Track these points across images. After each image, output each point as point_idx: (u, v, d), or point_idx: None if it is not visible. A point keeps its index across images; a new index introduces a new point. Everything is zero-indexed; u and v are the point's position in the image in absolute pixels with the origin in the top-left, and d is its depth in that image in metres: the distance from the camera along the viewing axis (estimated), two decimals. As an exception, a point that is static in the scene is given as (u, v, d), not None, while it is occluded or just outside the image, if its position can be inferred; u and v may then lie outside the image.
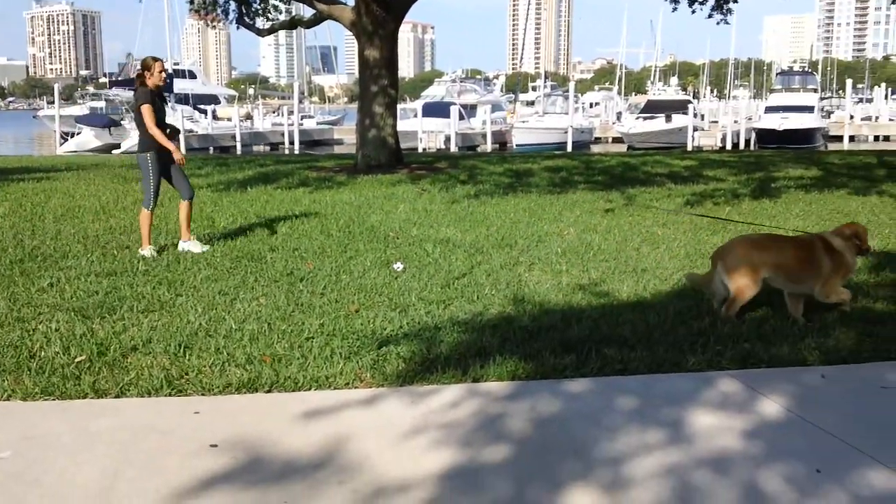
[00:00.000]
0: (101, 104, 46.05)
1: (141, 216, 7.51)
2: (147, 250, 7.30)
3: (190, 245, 7.54)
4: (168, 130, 7.57)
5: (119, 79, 51.54)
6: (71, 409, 3.88)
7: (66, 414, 3.83)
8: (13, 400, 3.99)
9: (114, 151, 33.63)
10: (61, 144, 37.63)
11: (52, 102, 44.46)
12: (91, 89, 58.36)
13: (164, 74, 7.41)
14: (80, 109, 47.65)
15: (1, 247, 7.54)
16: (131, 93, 40.40)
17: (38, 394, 4.03)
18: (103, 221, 9.14)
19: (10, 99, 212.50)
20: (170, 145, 7.36)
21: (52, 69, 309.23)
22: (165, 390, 4.10)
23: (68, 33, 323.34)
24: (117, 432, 3.59)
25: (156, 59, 7.37)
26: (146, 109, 7.24)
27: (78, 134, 38.67)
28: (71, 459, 3.33)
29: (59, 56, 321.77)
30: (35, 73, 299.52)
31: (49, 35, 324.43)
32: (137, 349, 4.64)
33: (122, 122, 39.75)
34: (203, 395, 4.08)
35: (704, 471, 3.26)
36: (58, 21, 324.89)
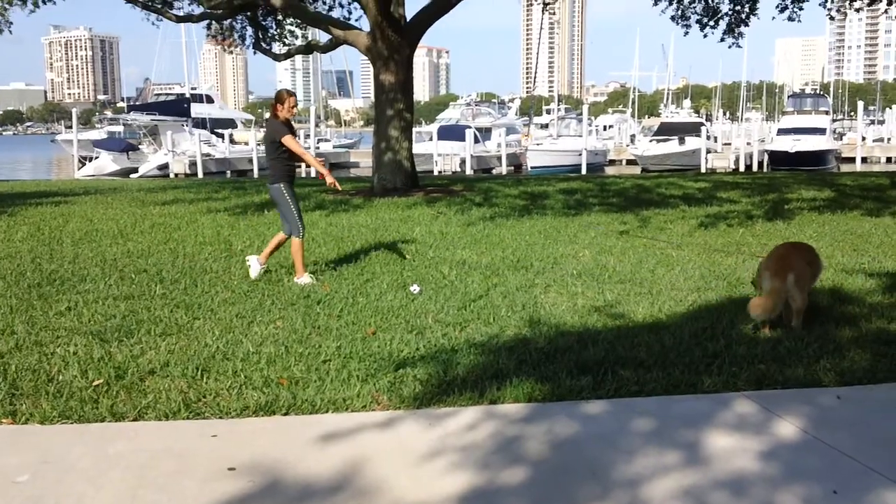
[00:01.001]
0: (119, 128, 46.57)
1: (293, 247, 7.34)
2: (304, 278, 7.18)
3: (253, 262, 7.45)
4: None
5: (137, 103, 52.21)
6: (89, 433, 3.91)
7: (84, 437, 3.85)
8: (31, 423, 4.02)
9: (131, 175, 34.01)
10: (79, 168, 38.10)
11: (71, 127, 45.09)
12: (109, 114, 59.15)
13: (295, 110, 7.38)
14: (98, 134, 48.21)
15: (19, 271, 7.63)
16: (149, 117, 40.77)
17: (56, 417, 4.07)
18: (121, 245, 9.23)
19: (29, 123, 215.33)
20: (323, 169, 7.40)
21: (70, 94, 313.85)
22: (183, 413, 4.12)
23: (86, 58, 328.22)
24: (135, 455, 3.61)
25: (290, 94, 7.35)
26: (290, 139, 7.20)
27: (96, 158, 39.14)
28: (89, 483, 3.35)
29: (77, 81, 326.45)
30: (53, 97, 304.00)
31: (67, 60, 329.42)
32: (155, 372, 4.68)
33: (140, 147, 40.24)
34: (220, 418, 4.10)
35: (721, 492, 3.24)
36: (76, 46, 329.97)
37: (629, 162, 44.43)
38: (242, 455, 3.61)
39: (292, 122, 7.54)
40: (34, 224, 11.07)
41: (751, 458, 3.57)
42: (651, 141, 41.91)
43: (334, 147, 50.13)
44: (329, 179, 7.35)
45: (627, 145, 49.61)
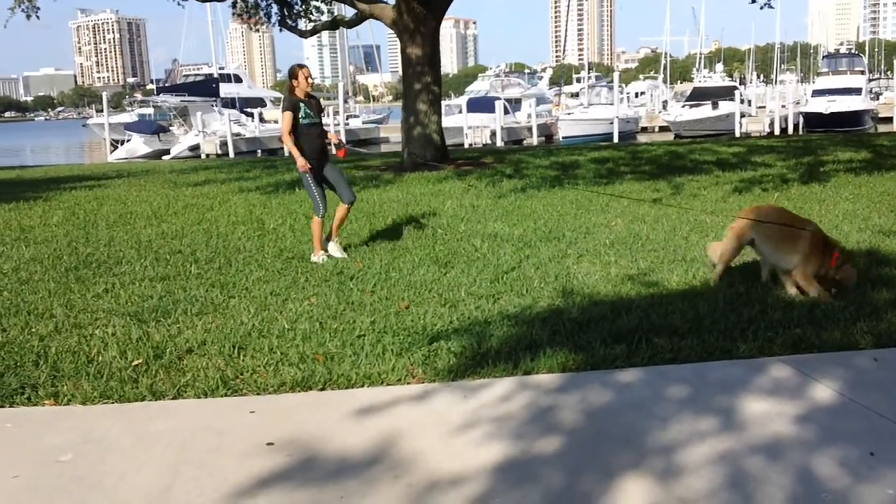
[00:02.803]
0: (150, 111, 46.99)
1: (312, 224, 7.40)
2: (319, 256, 7.22)
3: (332, 247, 7.42)
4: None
5: (166, 85, 52.58)
6: (129, 412, 3.99)
7: (125, 416, 3.93)
8: (73, 404, 4.12)
9: (163, 157, 34.36)
10: (112, 152, 38.57)
11: (101, 111, 45.62)
12: (139, 96, 59.54)
13: (310, 80, 7.23)
14: (128, 117, 48.72)
15: (56, 254, 7.77)
16: (178, 98, 40.93)
17: (97, 397, 4.16)
18: (155, 227, 9.36)
19: (60, 108, 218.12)
20: (295, 153, 7.19)
21: (99, 77, 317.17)
22: (221, 391, 4.19)
23: (114, 41, 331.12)
24: (175, 433, 3.68)
25: (301, 66, 7.23)
26: (285, 116, 7.13)
27: (128, 141, 39.57)
28: (130, 461, 3.43)
29: (106, 64, 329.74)
30: (83, 82, 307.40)
31: (95, 44, 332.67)
32: (193, 351, 4.75)
33: (170, 128, 40.57)
34: (258, 394, 4.16)
35: (758, 457, 3.21)
36: (103, 30, 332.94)
37: (662, 128, 43.80)
38: (280, 430, 3.66)
39: (315, 95, 7.41)
40: (69, 208, 11.25)
41: (787, 422, 3.53)
42: (684, 106, 41.26)
43: (363, 122, 50.10)
44: (300, 163, 7.13)
45: (660, 112, 48.87)
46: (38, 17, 16.45)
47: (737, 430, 3.48)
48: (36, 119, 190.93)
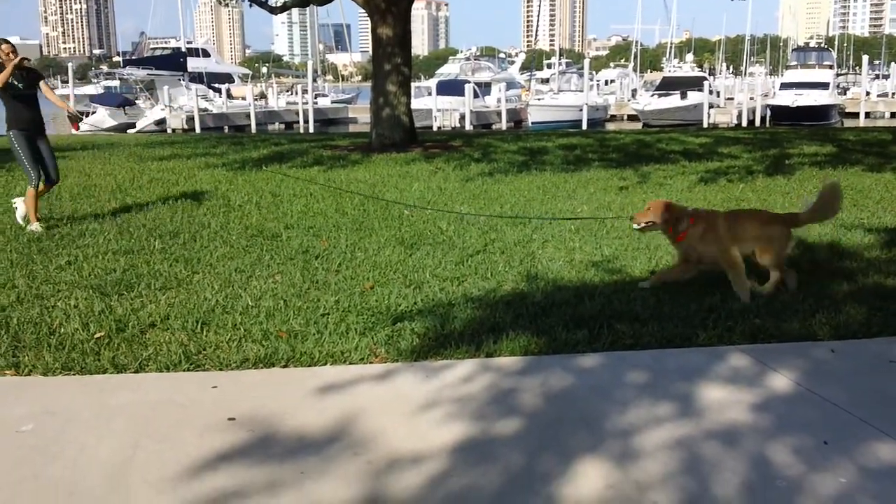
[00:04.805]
0: (116, 83, 46.23)
1: (27, 195, 7.68)
2: (35, 225, 7.49)
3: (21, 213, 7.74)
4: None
5: (133, 58, 51.62)
6: (91, 384, 3.97)
7: (86, 388, 3.91)
8: (34, 375, 4.08)
9: (129, 131, 33.78)
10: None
11: (67, 82, 44.72)
12: (105, 68, 58.55)
13: (12, 55, 7.46)
14: (94, 89, 47.89)
15: (18, 225, 7.64)
16: (145, 72, 40.44)
17: (58, 369, 4.12)
18: (119, 200, 9.23)
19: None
20: None
21: (65, 48, 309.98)
22: (184, 365, 4.18)
23: (81, 12, 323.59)
24: (137, 406, 3.67)
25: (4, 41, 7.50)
26: None
27: (93, 113, 38.82)
28: (91, 433, 3.41)
29: (73, 35, 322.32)
30: (49, 52, 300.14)
31: (62, 14, 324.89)
32: (156, 325, 4.72)
33: (136, 102, 39.91)
34: (221, 370, 4.15)
35: (714, 443, 3.30)
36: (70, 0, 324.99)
37: (630, 117, 44.11)
38: (242, 406, 3.67)
39: (32, 68, 7.81)
40: (32, 179, 11.02)
41: (743, 409, 3.62)
42: (653, 95, 41.61)
43: (332, 102, 49.75)
44: None
45: (629, 100, 49.19)
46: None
47: (694, 416, 3.56)
48: None
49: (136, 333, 4.59)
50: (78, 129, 8.19)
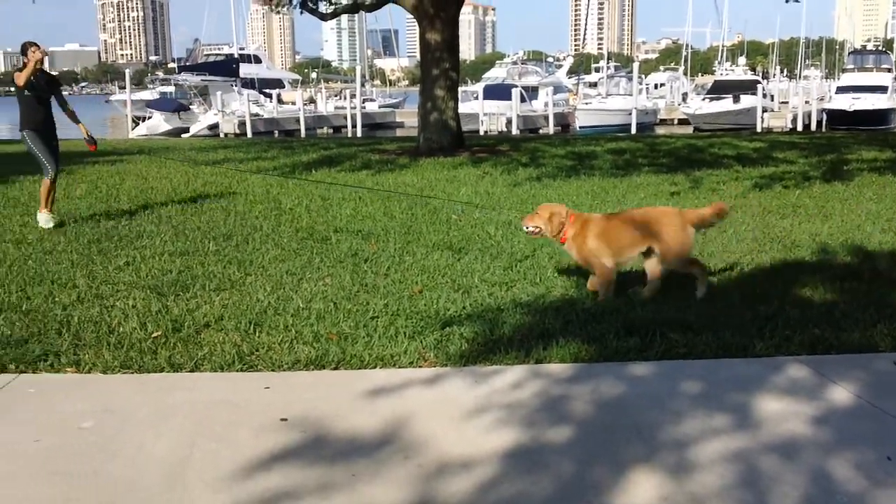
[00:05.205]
0: (171, 89, 47.20)
1: (42, 186, 8.21)
2: (44, 215, 7.99)
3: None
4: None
5: (187, 63, 52.71)
6: (148, 382, 4.05)
7: (144, 387, 4.00)
8: (94, 373, 4.18)
9: (183, 135, 34.50)
10: (133, 128, 38.78)
11: (124, 87, 45.86)
12: (160, 74, 59.79)
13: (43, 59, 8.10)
14: (150, 94, 48.96)
15: (79, 227, 7.86)
16: (199, 78, 41.18)
17: (117, 367, 4.22)
18: (174, 203, 9.43)
19: (84, 84, 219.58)
20: None
21: (122, 55, 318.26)
22: (237, 366, 4.24)
23: (138, 19, 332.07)
24: (192, 405, 3.74)
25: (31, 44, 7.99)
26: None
27: (149, 118, 39.77)
28: (149, 431, 3.48)
29: (130, 42, 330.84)
30: (106, 58, 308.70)
31: (119, 21, 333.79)
32: (210, 326, 4.81)
33: (190, 107, 40.74)
34: (273, 371, 4.20)
35: (772, 456, 3.22)
36: (127, 7, 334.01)
37: (681, 121, 43.49)
38: (294, 407, 3.71)
39: (49, 73, 8.47)
40: (92, 182, 11.35)
41: (802, 422, 3.53)
42: (704, 99, 40.97)
43: (380, 106, 50.07)
44: None
45: (679, 104, 48.50)
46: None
47: (751, 428, 3.48)
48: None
49: (191, 333, 4.67)
50: (94, 149, 8.73)
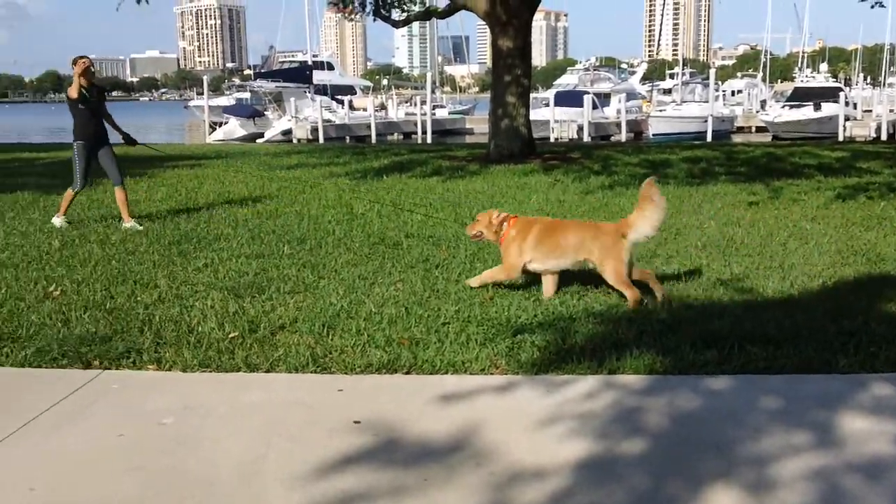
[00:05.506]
0: (247, 95, 48.46)
1: (66, 193, 8.59)
2: (59, 220, 8.43)
3: (127, 225, 8.40)
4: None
5: (263, 70, 54.03)
6: (226, 381, 4.16)
7: (222, 385, 4.10)
8: (174, 370, 4.31)
9: (257, 140, 35.36)
10: (210, 133, 39.93)
11: (202, 93, 47.25)
12: (237, 81, 61.56)
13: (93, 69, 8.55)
14: (227, 100, 50.35)
15: (160, 229, 8.13)
16: (274, 84, 42.21)
17: (196, 366, 4.34)
18: (250, 206, 9.66)
19: (163, 90, 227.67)
20: None
21: (200, 62, 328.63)
22: (311, 367, 4.31)
23: (215, 27, 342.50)
24: (268, 405, 3.81)
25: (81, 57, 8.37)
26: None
27: (225, 124, 40.90)
28: (227, 428, 3.57)
29: (207, 49, 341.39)
30: (185, 65, 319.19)
31: (198, 29, 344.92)
32: (285, 328, 4.90)
33: (265, 113, 41.74)
34: (345, 373, 4.25)
35: (856, 476, 3.10)
36: (205, 15, 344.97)
37: (759, 129, 42.32)
38: (366, 410, 3.74)
39: (100, 85, 8.70)
40: (171, 185, 11.72)
41: (888, 442, 3.39)
42: (783, 107, 39.81)
43: (449, 113, 50.30)
44: None
45: (757, 111, 47.24)
46: (147, 1, 17.12)
47: (834, 446, 3.36)
48: (140, 99, 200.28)
49: (266, 335, 4.77)
50: (134, 146, 9.16)
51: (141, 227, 8.21)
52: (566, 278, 6.03)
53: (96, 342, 4.61)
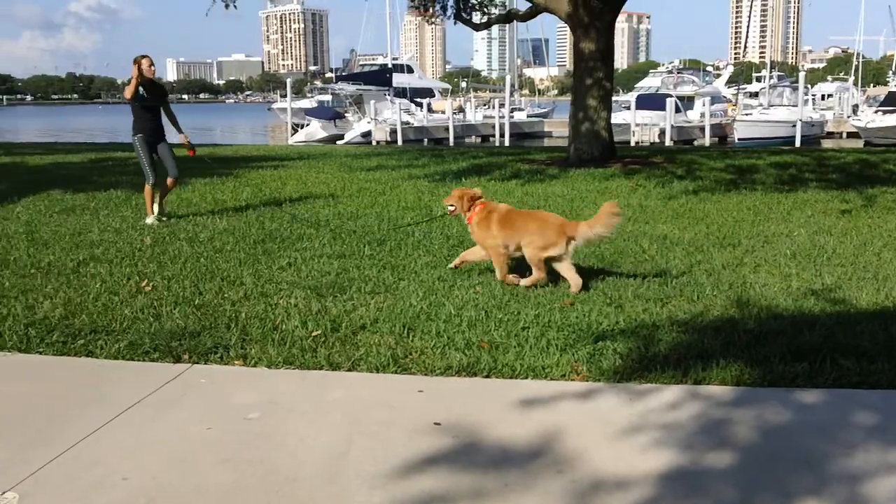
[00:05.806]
0: (328, 98, 49.39)
1: (144, 191, 9.02)
2: (151, 219, 8.76)
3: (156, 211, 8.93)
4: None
5: (344, 73, 55.00)
6: (309, 379, 4.24)
7: (305, 382, 4.18)
8: (259, 366, 4.42)
9: (338, 142, 35.98)
10: (292, 135, 40.89)
11: (285, 96, 48.46)
12: (319, 84, 62.75)
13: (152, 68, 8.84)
14: (309, 103, 51.45)
15: (245, 227, 8.35)
16: (355, 87, 42.98)
17: (280, 363, 4.44)
18: (332, 207, 9.83)
19: (248, 92, 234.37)
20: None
21: (283, 65, 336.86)
22: (392, 368, 4.35)
23: (299, 31, 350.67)
24: (350, 403, 3.87)
25: (143, 56, 8.71)
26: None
27: (307, 125, 41.80)
28: (310, 425, 3.64)
29: (291, 52, 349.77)
30: (269, 68, 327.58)
31: (282, 33, 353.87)
32: (366, 328, 4.97)
33: (346, 115, 42.47)
34: (425, 375, 4.28)
35: (962, 502, 2.94)
36: (289, 20, 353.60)
37: (850, 135, 40.70)
38: (447, 412, 3.76)
39: (158, 83, 9.06)
40: (256, 186, 12.04)
41: None
42: (877, 112, 38.18)
43: (528, 116, 50.11)
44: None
45: (849, 116, 45.40)
46: (235, 6, 17.66)
47: (935, 466, 3.20)
48: (226, 101, 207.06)
49: (348, 334, 4.85)
50: (193, 154, 9.42)
51: (155, 223, 8.61)
52: (645, 284, 5.92)
53: (186, 337, 4.77)
